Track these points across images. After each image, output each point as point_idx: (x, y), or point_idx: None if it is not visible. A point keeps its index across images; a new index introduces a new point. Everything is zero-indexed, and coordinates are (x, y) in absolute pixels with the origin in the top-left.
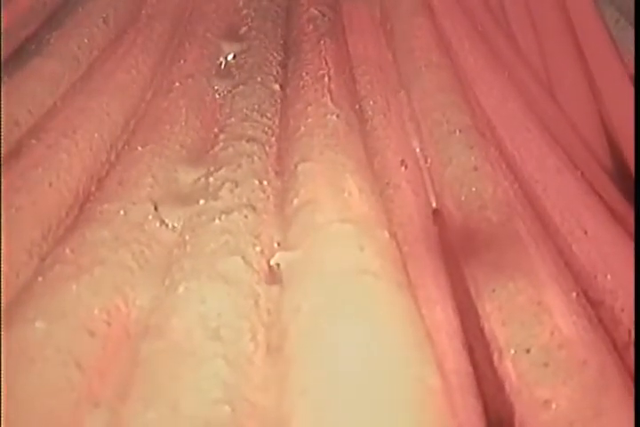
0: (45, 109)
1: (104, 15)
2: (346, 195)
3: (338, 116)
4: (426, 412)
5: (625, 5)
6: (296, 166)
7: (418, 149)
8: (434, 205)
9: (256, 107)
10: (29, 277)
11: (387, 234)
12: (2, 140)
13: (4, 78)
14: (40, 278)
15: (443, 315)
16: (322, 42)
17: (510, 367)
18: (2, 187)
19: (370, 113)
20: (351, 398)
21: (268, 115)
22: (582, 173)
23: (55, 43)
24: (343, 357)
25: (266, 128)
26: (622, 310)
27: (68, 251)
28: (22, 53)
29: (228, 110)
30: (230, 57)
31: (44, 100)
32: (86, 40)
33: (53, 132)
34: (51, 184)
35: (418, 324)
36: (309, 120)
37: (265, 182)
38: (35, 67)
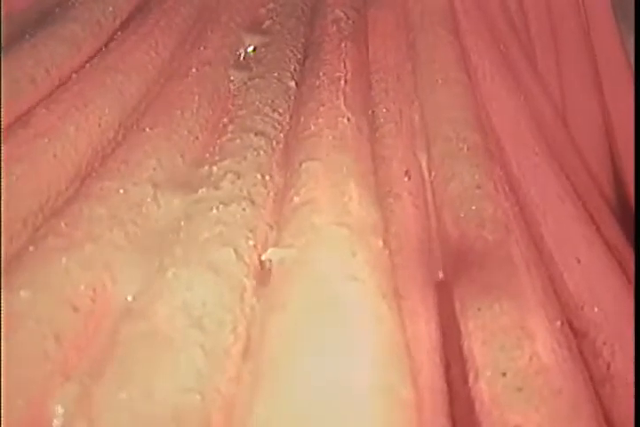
0: (63, 71)
1: None
2: (346, 199)
3: (349, 119)
4: (395, 423)
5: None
6: (300, 164)
7: (424, 162)
8: (432, 219)
9: (269, 101)
10: (21, 245)
11: (381, 242)
12: (5, 105)
13: (26, 37)
14: (31, 248)
15: (425, 329)
16: (343, 44)
17: (484, 389)
18: (2, 154)
19: (381, 120)
20: (322, 401)
21: (280, 110)
22: (584, 203)
23: (79, 7)
24: (319, 359)
25: (276, 123)
26: (604, 344)
27: (62, 224)
28: (47, 16)
29: (240, 102)
30: (250, 49)
31: (64, 61)
32: (110, 8)
33: (65, 104)
34: (55, 156)
35: (398, 335)
36: (320, 120)
37: (267, 177)
38: (57, 28)
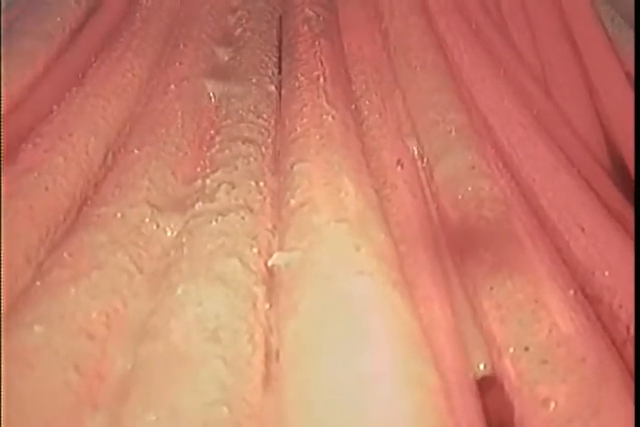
0: (21, 86)
1: None
2: (342, 195)
3: (333, 116)
4: (424, 411)
5: (621, 3)
6: (292, 167)
7: (414, 149)
8: (431, 204)
9: (252, 108)
10: (27, 281)
11: (383, 233)
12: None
13: None
14: (38, 283)
15: (441, 313)
16: (317, 42)
17: (509, 366)
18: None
19: (366, 113)
20: (348, 398)
21: (264, 116)
22: (579, 171)
23: (29, 21)
24: (339, 357)
25: (262, 129)
26: (620, 307)
27: (65, 255)
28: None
29: (224, 112)
30: (225, 58)
31: (22, 75)
32: (59, 19)
33: (49, 136)
34: (47, 188)
35: (414, 324)
36: (305, 121)
37: (261, 184)
38: (8, 44)
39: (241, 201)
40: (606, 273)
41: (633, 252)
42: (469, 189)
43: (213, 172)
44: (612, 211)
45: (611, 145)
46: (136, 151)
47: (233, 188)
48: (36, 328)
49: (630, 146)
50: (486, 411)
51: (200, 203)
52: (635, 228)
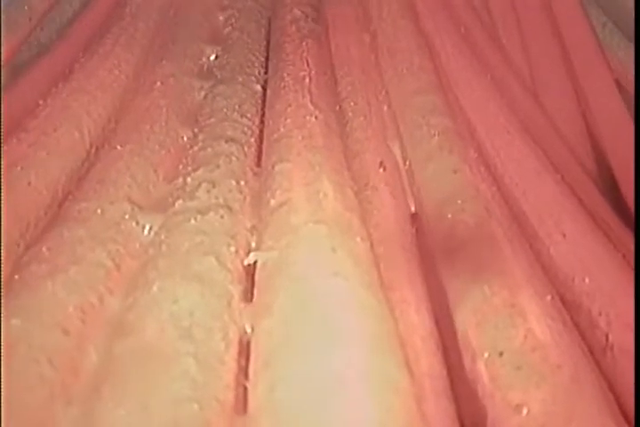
0: None
1: None
2: (321, 196)
3: (317, 117)
4: (395, 415)
5: (613, 9)
6: (273, 167)
7: (397, 151)
8: (412, 207)
9: (236, 107)
10: (6, 275)
11: (361, 235)
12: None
13: None
14: (16, 277)
15: (417, 317)
16: (304, 43)
17: (483, 370)
18: None
19: (350, 114)
20: (319, 399)
21: (249, 115)
22: (562, 177)
23: None
24: (311, 359)
25: (245, 129)
26: (600, 314)
27: (44, 249)
28: None
29: (208, 110)
30: (212, 57)
31: None
32: (25, 7)
33: (34, 131)
34: (30, 183)
35: (389, 327)
36: (288, 121)
37: (242, 183)
38: None
39: (221, 200)
40: (586, 280)
41: (615, 259)
42: (451, 193)
43: (195, 170)
44: (595, 218)
45: (597, 151)
46: (119, 148)
47: (213, 186)
48: (13, 322)
49: (618, 152)
50: (460, 415)
51: (180, 201)
52: (635, 234)
